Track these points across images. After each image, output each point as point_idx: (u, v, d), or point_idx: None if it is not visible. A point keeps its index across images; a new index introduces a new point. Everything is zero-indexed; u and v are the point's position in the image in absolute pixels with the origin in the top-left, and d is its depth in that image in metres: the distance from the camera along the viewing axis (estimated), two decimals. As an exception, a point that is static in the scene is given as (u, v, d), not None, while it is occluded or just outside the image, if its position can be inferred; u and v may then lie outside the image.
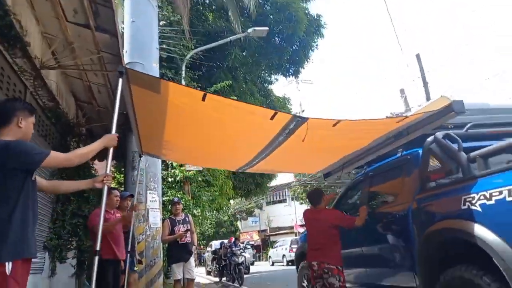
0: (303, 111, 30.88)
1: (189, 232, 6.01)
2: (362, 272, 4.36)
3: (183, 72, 10.94)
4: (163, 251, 6.55)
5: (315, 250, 4.10)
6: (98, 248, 2.54)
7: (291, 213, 36.81)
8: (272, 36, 14.26)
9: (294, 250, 21.35)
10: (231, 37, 12.00)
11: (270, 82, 18.05)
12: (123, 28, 6.34)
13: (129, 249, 4.82)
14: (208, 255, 20.74)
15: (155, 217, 6.28)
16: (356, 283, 4.41)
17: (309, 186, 26.58)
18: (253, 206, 39.93)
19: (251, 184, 16.35)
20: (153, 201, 6.28)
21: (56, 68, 5.40)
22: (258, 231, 41.18)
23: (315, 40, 15.88)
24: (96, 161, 7.20)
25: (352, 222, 3.95)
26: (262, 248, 37.97)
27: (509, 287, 2.29)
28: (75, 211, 5.79)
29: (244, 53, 14.23)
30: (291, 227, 36.07)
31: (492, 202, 2.48)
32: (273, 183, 23.41)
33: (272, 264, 25.57)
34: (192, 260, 6.22)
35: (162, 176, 7.31)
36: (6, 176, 2.20)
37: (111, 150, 2.74)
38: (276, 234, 37.33)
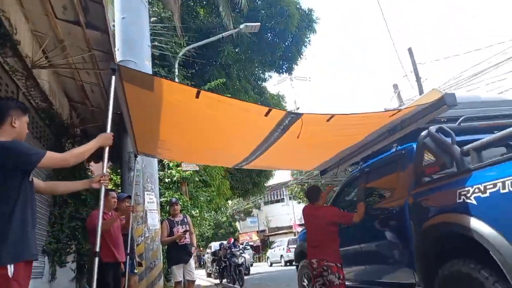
0: (297, 108, 30.87)
1: (188, 233, 5.98)
2: (361, 269, 4.37)
3: (176, 70, 10.87)
4: (162, 253, 6.51)
5: (314, 247, 4.11)
6: (97, 249, 2.53)
7: (289, 213, 36.82)
8: (265, 32, 14.22)
9: (292, 250, 21.44)
10: (223, 34, 11.95)
11: (264, 80, 18.03)
12: (114, 26, 6.28)
13: (128, 252, 4.79)
14: (207, 257, 20.64)
15: (154, 219, 6.23)
16: (356, 281, 4.42)
17: (306, 184, 26.61)
18: (251, 206, 39.87)
19: (249, 184, 16.33)
20: (151, 202, 6.23)
21: (47, 67, 5.36)
22: (257, 232, 41.13)
23: (308, 36, 15.85)
24: (92, 163, 7.18)
25: (350, 218, 3.96)
26: (262, 248, 37.91)
27: (507, 280, 2.31)
28: (73, 214, 5.77)
29: (237, 50, 14.18)
30: (290, 227, 36.08)
31: (487, 194, 2.49)
32: (270, 182, 23.39)
33: (271, 265, 25.55)
34: (192, 261, 6.17)
35: (159, 177, 7.27)
36: (6, 176, 2.19)
37: (107, 150, 2.72)
38: (275, 234, 37.32)
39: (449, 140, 3.12)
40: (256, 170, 15.26)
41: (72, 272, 6.09)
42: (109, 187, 7.22)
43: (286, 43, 15.29)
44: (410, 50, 16.78)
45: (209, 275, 18.82)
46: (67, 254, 5.70)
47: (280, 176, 30.11)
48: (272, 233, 38.63)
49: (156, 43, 10.44)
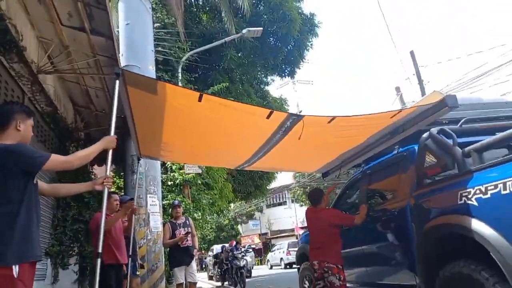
0: (300, 111, 30.89)
1: (190, 236, 6.00)
2: (363, 271, 4.37)
3: (180, 75, 10.95)
4: (164, 255, 6.53)
5: (316, 249, 4.12)
6: (100, 250, 2.55)
7: (291, 216, 36.74)
8: (267, 37, 14.31)
9: (292, 253, 21.66)
10: (226, 38, 12.03)
11: (267, 83, 18.09)
12: (118, 31, 6.36)
13: (130, 254, 4.82)
14: (209, 260, 20.67)
15: (156, 221, 6.26)
16: (358, 283, 4.42)
17: (308, 187, 26.59)
18: (254, 209, 39.85)
19: (251, 187, 16.34)
20: (154, 205, 6.27)
21: (52, 72, 5.42)
22: (259, 234, 41.06)
23: (310, 40, 15.92)
24: (95, 166, 7.23)
25: (351, 220, 3.98)
26: (264, 251, 37.85)
27: (507, 281, 2.31)
28: (76, 216, 5.81)
29: (239, 54, 14.27)
30: (292, 230, 35.96)
31: (488, 196, 2.50)
32: (273, 185, 23.38)
33: (271, 268, 25.58)
34: (193, 263, 6.19)
35: (161, 180, 7.31)
36: (6, 176, 2.21)
37: (110, 152, 2.76)
38: (277, 237, 37.23)
39: (450, 141, 3.13)
40: (258, 173, 15.30)
41: (75, 274, 6.12)
42: (112, 190, 7.28)
43: (289, 47, 15.36)
44: (412, 53, 16.80)
45: (210, 277, 18.83)
46: (70, 257, 5.73)
47: (283, 179, 30.07)
48: (274, 236, 38.54)
49: (159, 48, 10.53)
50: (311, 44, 16.13)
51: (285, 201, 39.47)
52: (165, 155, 4.86)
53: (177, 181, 9.26)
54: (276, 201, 40.46)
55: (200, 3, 15.36)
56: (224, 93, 12.13)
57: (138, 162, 5.14)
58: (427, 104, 3.27)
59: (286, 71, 16.70)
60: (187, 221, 6.21)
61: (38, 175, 2.40)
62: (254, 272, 18.97)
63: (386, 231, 3.93)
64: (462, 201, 2.70)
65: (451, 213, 2.83)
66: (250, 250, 24.99)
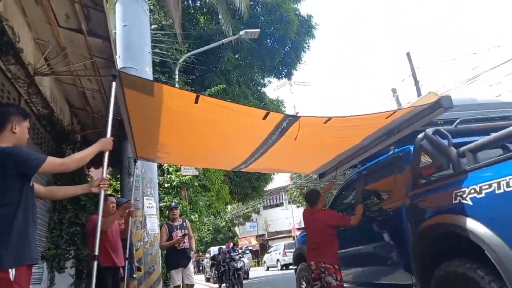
0: (297, 113, 30.94)
1: (187, 238, 6.00)
2: (359, 271, 4.39)
3: (177, 76, 10.96)
4: (161, 258, 6.53)
5: (313, 249, 4.16)
6: (96, 253, 2.55)
7: (288, 217, 36.78)
8: (264, 38, 14.34)
9: (288, 254, 21.79)
10: (223, 40, 12.05)
11: (264, 85, 18.14)
12: (115, 33, 6.36)
13: (127, 256, 4.82)
14: (206, 262, 20.65)
15: (153, 223, 6.25)
16: (354, 283, 4.44)
17: (305, 188, 26.64)
18: (250, 211, 39.88)
19: (248, 188, 16.37)
20: (150, 207, 6.26)
21: (49, 74, 5.41)
22: (256, 236, 41.07)
23: (307, 41, 15.99)
24: (92, 169, 7.22)
25: (347, 221, 4.00)
26: (261, 252, 37.86)
27: (502, 278, 2.33)
28: (72, 219, 5.79)
29: (236, 56, 14.29)
30: (289, 231, 36.02)
31: (482, 195, 2.52)
32: (269, 186, 23.43)
33: (267, 269, 25.64)
34: (191, 265, 6.19)
35: (158, 182, 7.30)
36: (7, 181, 2.21)
37: (106, 154, 2.76)
38: (274, 238, 37.24)
39: (445, 142, 3.16)
40: (255, 174, 15.31)
41: (71, 278, 6.09)
42: (109, 192, 7.27)
43: (286, 49, 15.41)
44: (408, 54, 16.91)
45: (208, 279, 18.82)
46: (66, 260, 5.71)
47: (279, 181, 30.13)
48: (271, 237, 38.53)
49: (157, 50, 10.53)
50: (308, 46, 16.21)
51: (282, 203, 39.51)
52: (162, 156, 4.86)
53: (174, 183, 9.26)
54: (273, 202, 40.50)
55: (198, 4, 15.39)
56: (221, 94, 12.14)
57: (135, 164, 5.14)
58: (423, 105, 3.29)
59: (283, 72, 16.74)
60: (184, 223, 6.21)
61: (34, 178, 2.40)
62: (251, 274, 19.00)
63: (382, 231, 3.95)
64: (457, 201, 2.72)
65: (446, 213, 2.85)
66: (248, 251, 25.05)
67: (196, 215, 9.51)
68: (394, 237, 3.67)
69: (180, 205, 8.08)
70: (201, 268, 26.80)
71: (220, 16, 12.81)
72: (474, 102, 4.15)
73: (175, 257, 5.95)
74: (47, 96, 5.54)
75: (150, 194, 6.19)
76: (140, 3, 6.37)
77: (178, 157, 5.16)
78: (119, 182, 7.87)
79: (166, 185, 9.18)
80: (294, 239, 28.75)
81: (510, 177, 2.33)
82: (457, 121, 3.66)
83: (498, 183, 2.41)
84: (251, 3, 14.07)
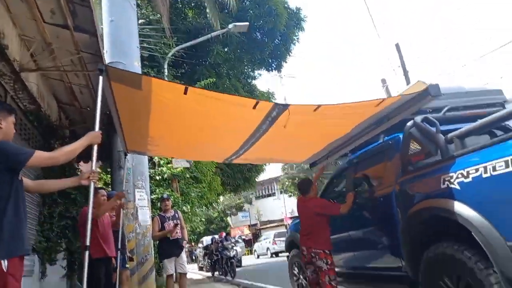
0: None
1: (179, 228, 6.07)
2: (351, 256, 4.48)
3: (166, 70, 10.90)
4: (154, 248, 6.58)
5: (305, 235, 4.26)
6: (87, 243, 2.57)
7: (280, 206, 37.10)
8: (253, 31, 14.29)
9: (278, 243, 22.57)
10: (212, 34, 11.99)
11: (254, 78, 18.11)
12: (102, 28, 6.30)
13: (119, 247, 4.84)
14: (199, 251, 20.88)
15: (144, 215, 6.29)
16: (345, 267, 4.53)
17: (297, 178, 26.86)
18: (243, 201, 40.13)
19: (240, 179, 16.44)
20: (142, 199, 6.29)
21: (35, 70, 5.34)
22: (249, 226, 41.46)
23: (296, 34, 15.98)
24: (81, 163, 7.17)
25: (337, 209, 4.08)
26: (253, 241, 38.30)
27: (488, 259, 2.40)
28: (62, 213, 5.77)
29: (226, 49, 14.23)
30: (281, 220, 36.41)
31: (470, 179, 2.58)
32: (261, 177, 23.58)
33: (258, 257, 26.19)
34: (183, 255, 6.29)
35: (149, 175, 7.30)
36: None
37: (95, 148, 2.77)
38: (266, 228, 37.61)
39: (434, 129, 3.21)
40: (247, 165, 15.36)
41: (63, 270, 6.10)
42: (99, 185, 7.24)
43: (275, 42, 15.40)
44: (397, 45, 16.98)
45: (201, 268, 19.09)
46: (57, 252, 5.71)
47: (271, 171, 30.30)
48: (264, 227, 38.87)
49: (145, 45, 10.45)
50: (298, 38, 16.23)
51: (274, 193, 39.83)
52: (152, 149, 4.85)
53: (165, 176, 9.26)
54: (265, 192, 40.81)
55: (185, -1, 15.24)
56: (211, 88, 12.08)
57: (125, 158, 5.13)
58: (411, 93, 3.33)
59: (273, 65, 16.74)
60: (176, 214, 6.28)
61: (22, 172, 2.40)
62: (243, 262, 19.25)
63: (373, 217, 4.03)
64: (445, 186, 2.78)
65: (434, 197, 2.91)
66: (240, 240, 25.52)
67: (188, 206, 9.55)
68: (384, 222, 3.73)
69: (172, 196, 8.10)
70: (194, 257, 27.03)
71: (207, 10, 12.72)
72: (462, 90, 4.20)
73: (167, 247, 6.02)
74: (34, 92, 5.47)
75: (141, 186, 6.20)
76: (127, -2, 6.32)
77: (168, 149, 5.15)
78: (109, 175, 7.85)
79: (157, 177, 9.17)
80: (286, 228, 29.11)
81: (496, 161, 2.39)
82: (445, 109, 3.72)
83: (485, 167, 2.46)
84: (240, -4, 14.00)
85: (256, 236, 38.70)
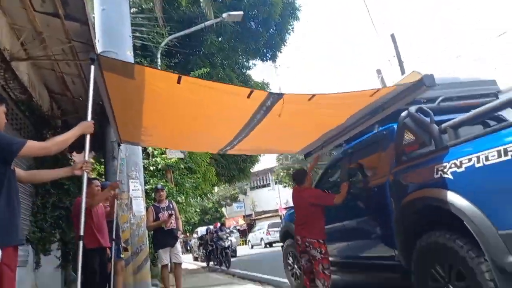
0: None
1: (174, 218, 6.07)
2: (344, 246, 4.51)
3: (159, 60, 10.79)
4: (148, 238, 6.59)
5: (300, 225, 4.28)
6: (81, 233, 2.56)
7: (275, 197, 37.27)
8: (248, 21, 14.13)
9: (271, 233, 22.86)
10: (206, 23, 11.85)
11: (248, 68, 17.96)
12: (93, 17, 6.21)
13: (114, 237, 4.84)
14: (194, 242, 20.96)
15: (139, 205, 6.28)
16: (339, 257, 4.56)
17: (292, 169, 26.95)
18: (238, 192, 40.24)
19: (234, 170, 16.42)
20: (136, 190, 6.27)
21: (26, 59, 5.27)
22: (244, 216, 41.65)
23: (291, 23, 15.85)
24: (74, 153, 7.11)
25: (331, 200, 4.09)
26: (248, 232, 38.54)
27: (480, 248, 2.42)
28: (56, 203, 5.74)
29: (220, 39, 14.08)
30: (276, 210, 36.59)
31: (463, 169, 2.60)
32: (256, 168, 23.61)
33: (252, 247, 26.44)
34: (178, 245, 6.31)
35: (143, 165, 7.27)
36: None
37: (88, 137, 2.75)
38: (261, 218, 37.81)
39: (428, 119, 3.22)
40: (242, 156, 15.35)
41: (57, 260, 6.09)
42: (93, 176, 7.20)
43: (270, 31, 15.24)
44: (393, 36, 16.94)
45: (196, 259, 19.18)
46: (51, 243, 5.69)
47: (266, 162, 30.39)
48: (258, 217, 39.08)
49: (137, 34, 10.31)
50: (293, 28, 16.08)
51: (269, 183, 39.99)
52: (146, 140, 4.82)
53: (159, 166, 9.23)
54: (260, 183, 40.95)
55: (179, -14, 15.01)
56: (205, 78, 11.86)
57: (119, 148, 5.10)
58: (406, 84, 3.32)
59: (267, 55, 16.60)
60: (171, 205, 6.29)
61: (14, 162, 2.37)
62: (238, 252, 19.44)
63: (367, 207, 4.05)
64: (438, 175, 2.79)
65: (428, 187, 2.93)
66: (235, 231, 25.73)
67: (183, 197, 9.54)
68: (378, 212, 3.76)
69: (166, 187, 8.09)
70: (188, 248, 27.15)
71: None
72: (456, 81, 4.21)
73: (162, 237, 6.04)
74: (25, 81, 5.40)
75: (135, 177, 6.18)
76: (119, -14, 6.22)
77: (162, 140, 5.12)
78: (103, 166, 7.81)
79: (151, 168, 9.14)
80: (280, 218, 29.31)
81: (489, 151, 2.40)
82: (439, 99, 3.72)
83: (478, 157, 2.48)
84: (234, -15, 13.80)
85: (250, 227, 38.91)
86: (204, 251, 15.35)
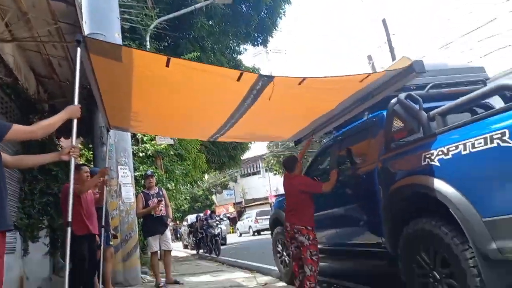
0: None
1: (163, 205, 6.04)
2: (333, 233, 4.55)
3: (148, 43, 10.61)
4: (138, 225, 6.57)
5: (290, 211, 4.30)
6: (69, 219, 2.54)
7: (265, 185, 37.37)
8: (238, 3, 13.92)
9: (260, 221, 23.07)
10: (196, 5, 11.66)
11: (239, 52, 17.78)
12: (80, -1, 6.05)
13: (103, 224, 4.81)
14: (184, 229, 20.98)
15: (128, 192, 6.25)
16: (328, 244, 4.61)
17: (282, 156, 27.00)
18: (228, 180, 40.24)
19: (225, 157, 16.40)
20: (125, 176, 6.24)
21: (11, 41, 5.14)
22: (234, 204, 41.72)
23: (283, 7, 15.66)
24: (62, 139, 7.02)
25: (319, 187, 4.11)
26: (238, 219, 38.71)
27: (464, 234, 2.46)
28: (44, 189, 5.67)
29: (210, 22, 13.85)
30: (266, 198, 36.70)
31: (450, 156, 2.62)
32: (246, 155, 23.62)
33: (240, 235, 26.63)
34: (168, 232, 6.28)
35: (133, 152, 7.21)
36: None
37: (75, 122, 2.71)
38: (251, 206, 37.96)
39: (417, 106, 3.23)
40: (232, 143, 15.31)
41: (46, 247, 6.05)
42: (81, 162, 7.13)
43: (261, 15, 15.05)
44: (384, 21, 16.88)
45: (185, 246, 19.19)
46: (40, 230, 5.64)
47: (256, 149, 30.40)
48: (249, 205, 39.23)
49: (126, 16, 10.09)
50: (284, 12, 15.88)
51: (259, 171, 40.02)
52: (136, 125, 4.77)
53: (149, 153, 9.16)
54: (250, 170, 40.98)
55: (168, -33, 14.68)
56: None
57: (108, 134, 5.04)
58: (396, 69, 3.32)
59: (259, 39, 16.44)
60: (160, 192, 6.25)
61: (0, 147, 2.33)
62: (228, 240, 19.57)
63: (355, 195, 4.08)
64: (426, 162, 2.81)
65: (415, 174, 2.95)
66: (225, 218, 25.82)
67: (173, 184, 9.51)
68: (366, 199, 3.78)
69: (156, 174, 8.05)
70: (178, 235, 27.21)
71: (191, -19, 12.32)
72: (445, 67, 4.22)
73: (152, 224, 6.01)
74: (10, 63, 5.27)
75: (124, 163, 6.14)
76: (106, -34, 6.06)
77: (152, 126, 5.07)
78: (91, 152, 7.72)
79: (141, 154, 9.07)
80: (270, 206, 29.47)
81: (475, 138, 2.42)
82: (428, 86, 3.73)
83: (464, 145, 2.49)
84: (225, -34, 13.52)
85: (241, 214, 39.16)
86: (194, 239, 15.35)
